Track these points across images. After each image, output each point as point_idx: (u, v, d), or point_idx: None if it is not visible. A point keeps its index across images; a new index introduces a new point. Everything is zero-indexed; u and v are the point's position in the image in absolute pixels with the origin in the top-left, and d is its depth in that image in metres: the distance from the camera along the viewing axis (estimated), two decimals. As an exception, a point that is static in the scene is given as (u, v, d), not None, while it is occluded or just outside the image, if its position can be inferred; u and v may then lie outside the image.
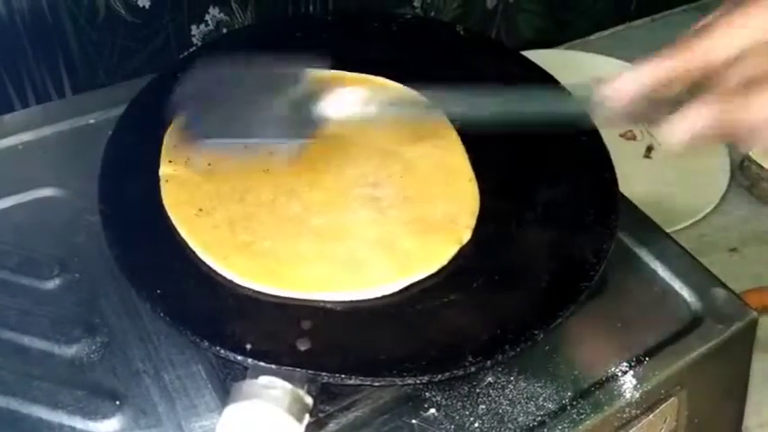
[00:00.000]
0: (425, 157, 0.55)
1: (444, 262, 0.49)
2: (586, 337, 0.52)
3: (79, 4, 0.70)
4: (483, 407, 0.47)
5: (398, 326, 0.46)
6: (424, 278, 0.49)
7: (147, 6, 0.74)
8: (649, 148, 0.95)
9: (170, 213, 0.50)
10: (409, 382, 0.43)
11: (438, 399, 0.48)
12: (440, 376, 0.44)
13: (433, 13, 0.94)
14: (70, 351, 0.49)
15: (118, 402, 0.46)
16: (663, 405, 0.50)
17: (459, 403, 0.47)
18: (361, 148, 0.54)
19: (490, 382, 0.49)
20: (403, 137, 0.56)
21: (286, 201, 0.51)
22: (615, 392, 0.49)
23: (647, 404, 0.49)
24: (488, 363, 0.45)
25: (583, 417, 0.47)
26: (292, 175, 0.52)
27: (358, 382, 0.43)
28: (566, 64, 1.00)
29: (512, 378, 0.49)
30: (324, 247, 0.48)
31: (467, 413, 0.47)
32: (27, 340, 0.49)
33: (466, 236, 0.50)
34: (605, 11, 1.10)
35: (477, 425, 0.46)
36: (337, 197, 0.51)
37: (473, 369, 0.44)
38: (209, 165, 0.53)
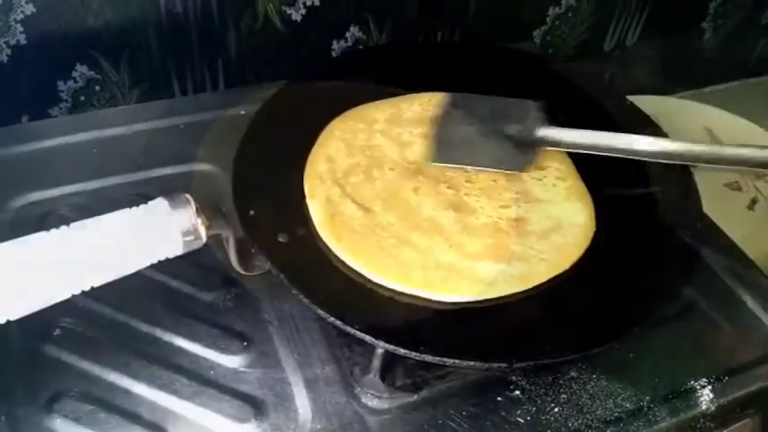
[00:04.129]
0: (547, 180, 0.61)
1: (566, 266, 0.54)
2: (671, 351, 0.55)
3: (242, 12, 0.80)
4: (564, 396, 0.52)
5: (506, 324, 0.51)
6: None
7: (298, 20, 0.83)
8: (754, 201, 0.96)
9: (309, 203, 0.57)
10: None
11: (523, 383, 0.52)
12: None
13: (551, 50, 1.00)
14: (210, 296, 0.57)
15: (245, 343, 0.54)
16: (737, 424, 0.53)
17: (543, 390, 0.52)
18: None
19: (573, 376, 0.53)
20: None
21: (433, 218, 0.56)
22: (692, 403, 0.52)
23: (722, 420, 0.52)
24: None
25: (658, 419, 0.51)
26: (437, 196, 0.58)
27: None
28: (677, 112, 1.02)
29: (594, 376, 0.53)
30: (460, 262, 0.53)
31: (549, 399, 0.52)
32: (175, 284, 0.57)
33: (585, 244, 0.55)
34: (723, 64, 1.12)
35: (557, 410, 0.51)
36: (480, 219, 0.57)
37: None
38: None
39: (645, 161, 0.61)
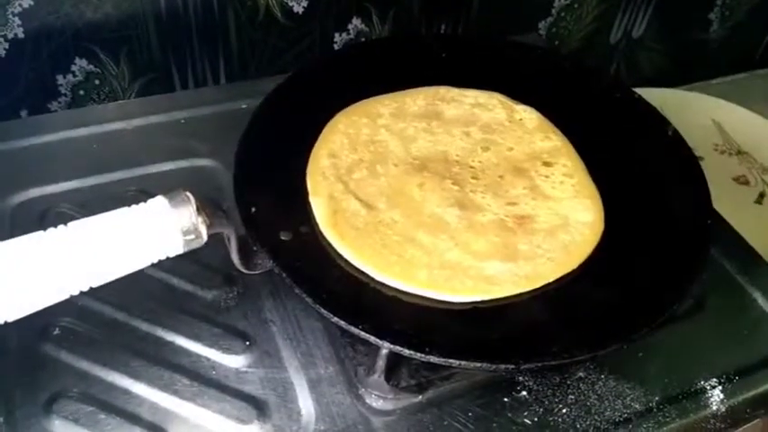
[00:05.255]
0: (555, 177, 0.59)
1: (574, 265, 0.53)
2: (681, 350, 0.54)
3: (243, 4, 0.79)
4: (572, 397, 0.51)
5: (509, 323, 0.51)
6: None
7: (300, 12, 0.82)
8: (762, 195, 0.95)
9: (312, 199, 0.56)
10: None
11: (530, 384, 0.52)
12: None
13: (556, 42, 0.99)
14: (210, 295, 0.56)
15: (247, 343, 0.53)
16: (747, 425, 0.52)
17: (550, 391, 0.51)
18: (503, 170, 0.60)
19: (581, 377, 0.52)
20: (534, 158, 0.61)
21: (438, 215, 0.55)
22: (702, 403, 0.51)
23: (732, 420, 0.51)
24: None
25: (668, 420, 0.50)
26: (442, 193, 0.57)
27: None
28: (684, 104, 1.01)
29: (602, 376, 0.52)
30: (466, 260, 0.52)
31: (556, 400, 0.51)
32: (176, 282, 0.57)
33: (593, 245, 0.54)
34: (729, 57, 1.11)
35: (564, 411, 0.50)
36: (487, 216, 0.56)
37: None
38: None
39: (652, 157, 0.60)
